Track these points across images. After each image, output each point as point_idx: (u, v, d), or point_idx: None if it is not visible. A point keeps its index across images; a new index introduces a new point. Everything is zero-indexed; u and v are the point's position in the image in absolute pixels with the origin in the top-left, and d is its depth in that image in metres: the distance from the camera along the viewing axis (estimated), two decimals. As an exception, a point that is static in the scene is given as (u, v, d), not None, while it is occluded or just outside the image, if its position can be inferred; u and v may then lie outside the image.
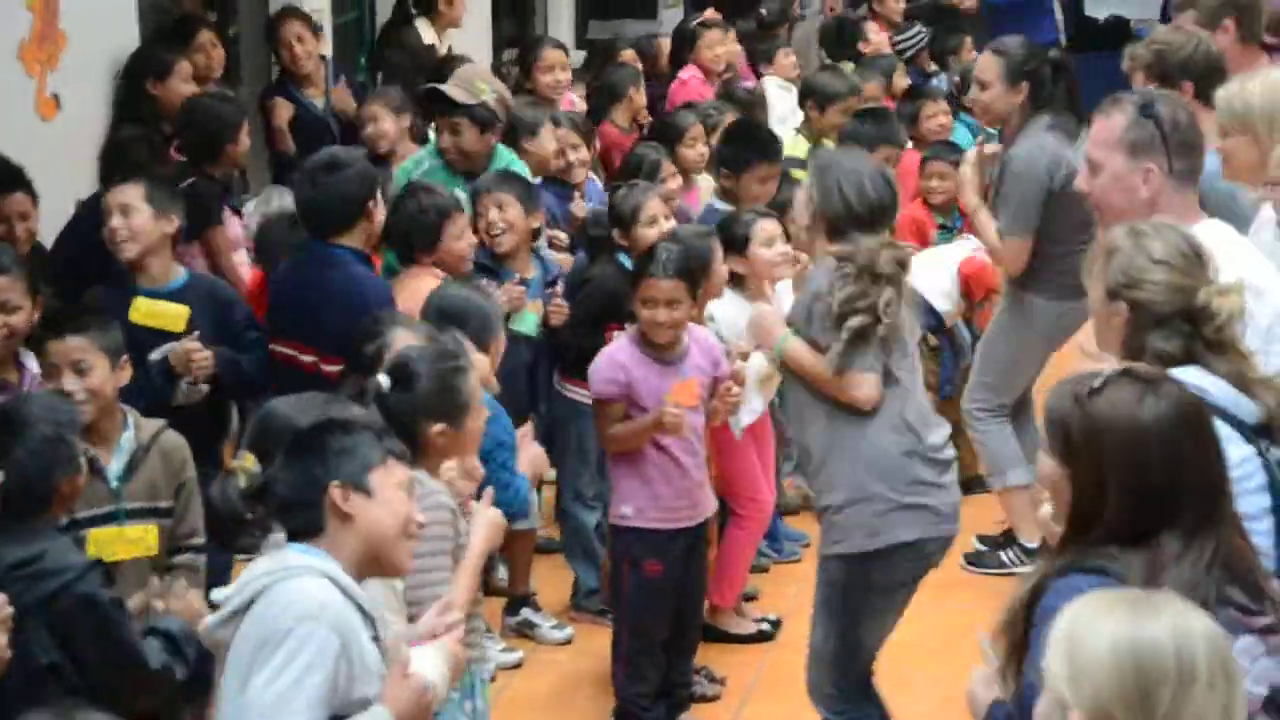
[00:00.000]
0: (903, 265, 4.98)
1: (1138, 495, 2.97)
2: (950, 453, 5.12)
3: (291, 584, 3.37)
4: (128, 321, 5.39)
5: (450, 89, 6.94)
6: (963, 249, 7.76)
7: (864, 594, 4.99)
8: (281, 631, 3.29)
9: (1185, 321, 3.54)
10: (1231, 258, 4.11)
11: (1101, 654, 2.45)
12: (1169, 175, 4.26)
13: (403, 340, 4.68)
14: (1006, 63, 6.79)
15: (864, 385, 4.89)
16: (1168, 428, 2.99)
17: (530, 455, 4.90)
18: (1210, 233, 4.19)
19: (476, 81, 6.95)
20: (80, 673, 3.96)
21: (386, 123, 7.61)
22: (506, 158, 7.04)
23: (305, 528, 3.46)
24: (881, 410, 4.93)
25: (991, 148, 6.91)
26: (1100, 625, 2.48)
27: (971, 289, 7.67)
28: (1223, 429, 3.33)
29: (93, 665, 3.98)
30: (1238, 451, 3.39)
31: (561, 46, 9.06)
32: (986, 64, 6.90)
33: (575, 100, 8.87)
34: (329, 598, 3.35)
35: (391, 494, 3.50)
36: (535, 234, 6.56)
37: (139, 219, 5.56)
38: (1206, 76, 5.81)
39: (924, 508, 4.95)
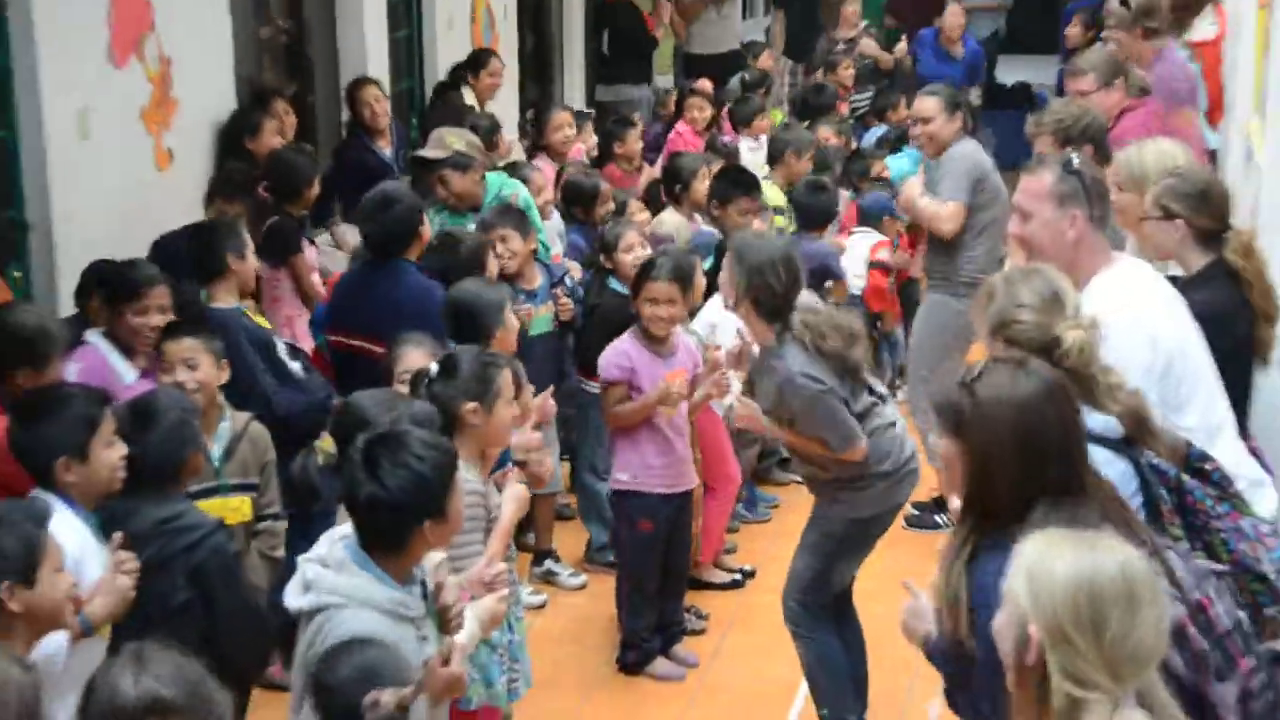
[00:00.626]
0: (855, 335, 4.84)
1: (1020, 459, 2.97)
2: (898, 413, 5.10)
3: (347, 620, 3.26)
4: (251, 326, 5.44)
5: (425, 151, 6.96)
6: (868, 239, 8.21)
7: (855, 546, 5.03)
8: None
9: (1047, 353, 3.43)
10: (1147, 288, 4.15)
11: (1060, 584, 2.43)
12: (1090, 221, 4.25)
13: (410, 356, 4.72)
14: (942, 99, 6.91)
15: (856, 452, 4.83)
16: (1037, 399, 3.01)
17: (521, 440, 4.82)
18: (1129, 267, 4.24)
19: (446, 137, 6.92)
20: (207, 611, 4.01)
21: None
22: (498, 182, 7.03)
23: (388, 549, 3.34)
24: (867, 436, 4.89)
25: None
26: (1056, 561, 2.46)
27: (870, 303, 8.06)
28: (1101, 452, 3.33)
29: (220, 603, 4.04)
30: (1115, 469, 3.38)
31: (569, 109, 9.12)
32: (926, 104, 6.95)
33: (582, 149, 8.97)
34: (372, 639, 3.19)
35: (457, 506, 3.41)
36: (534, 252, 6.56)
37: (258, 263, 5.77)
38: (1102, 141, 5.86)
39: (914, 471, 5.01)
